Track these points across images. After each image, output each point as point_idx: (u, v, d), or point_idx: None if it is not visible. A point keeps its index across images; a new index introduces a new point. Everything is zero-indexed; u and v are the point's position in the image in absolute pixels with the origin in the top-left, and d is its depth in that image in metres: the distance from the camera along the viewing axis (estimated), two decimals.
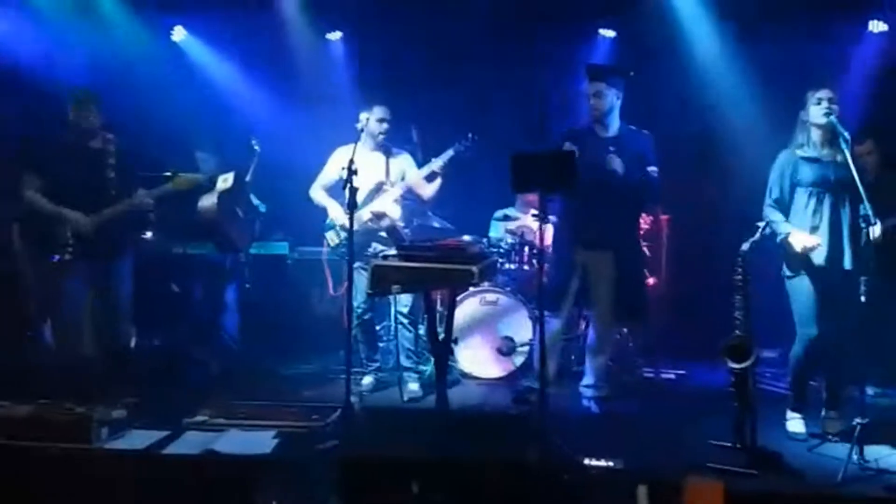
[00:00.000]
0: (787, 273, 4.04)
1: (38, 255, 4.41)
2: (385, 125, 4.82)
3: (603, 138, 4.44)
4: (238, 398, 4.48)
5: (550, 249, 4.59)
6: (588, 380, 4.61)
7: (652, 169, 4.39)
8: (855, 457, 3.52)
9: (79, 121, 4.40)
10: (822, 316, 3.96)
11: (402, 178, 4.89)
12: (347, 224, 4.17)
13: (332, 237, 4.91)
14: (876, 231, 3.62)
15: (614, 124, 4.48)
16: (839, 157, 3.88)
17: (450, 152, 4.75)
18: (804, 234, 3.92)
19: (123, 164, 4.49)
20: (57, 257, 4.33)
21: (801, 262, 3.95)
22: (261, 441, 3.78)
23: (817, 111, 3.93)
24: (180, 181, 4.56)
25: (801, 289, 3.99)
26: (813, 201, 3.96)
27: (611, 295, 4.43)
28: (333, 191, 4.87)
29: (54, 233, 4.33)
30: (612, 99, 4.43)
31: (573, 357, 5.44)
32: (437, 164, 4.77)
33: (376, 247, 4.78)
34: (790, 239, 3.94)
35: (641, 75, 4.68)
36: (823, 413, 4.08)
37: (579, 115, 4.95)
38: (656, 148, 4.46)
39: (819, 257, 3.91)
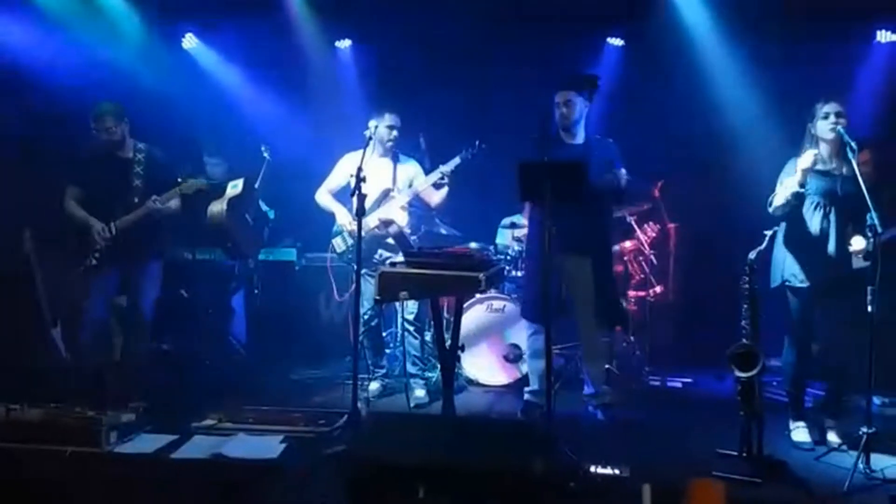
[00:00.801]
0: (791, 282, 4.01)
1: (64, 260, 4.50)
2: (395, 132, 4.85)
3: (570, 145, 4.45)
4: (246, 403, 4.51)
5: (527, 258, 4.49)
6: (588, 388, 4.58)
7: (622, 171, 4.38)
8: (861, 466, 3.51)
9: (100, 133, 4.49)
10: (816, 328, 3.98)
11: (410, 185, 4.91)
12: (355, 228, 4.19)
13: (338, 243, 4.93)
14: (859, 243, 3.70)
15: (581, 133, 4.48)
16: (845, 169, 3.89)
17: (457, 160, 4.77)
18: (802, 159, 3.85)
19: (152, 173, 4.58)
20: (84, 263, 4.43)
21: (806, 271, 3.95)
22: (268, 445, 3.81)
23: (824, 126, 3.92)
24: (186, 186, 4.63)
25: (796, 301, 4.00)
26: (819, 213, 3.96)
27: (592, 300, 4.41)
28: (340, 196, 4.90)
29: (83, 240, 4.44)
30: (581, 107, 4.44)
31: (579, 365, 5.45)
32: (444, 170, 4.79)
33: (383, 253, 4.80)
34: (797, 164, 3.84)
35: (649, 84, 4.67)
36: (823, 422, 4.08)
37: None
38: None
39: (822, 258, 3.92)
